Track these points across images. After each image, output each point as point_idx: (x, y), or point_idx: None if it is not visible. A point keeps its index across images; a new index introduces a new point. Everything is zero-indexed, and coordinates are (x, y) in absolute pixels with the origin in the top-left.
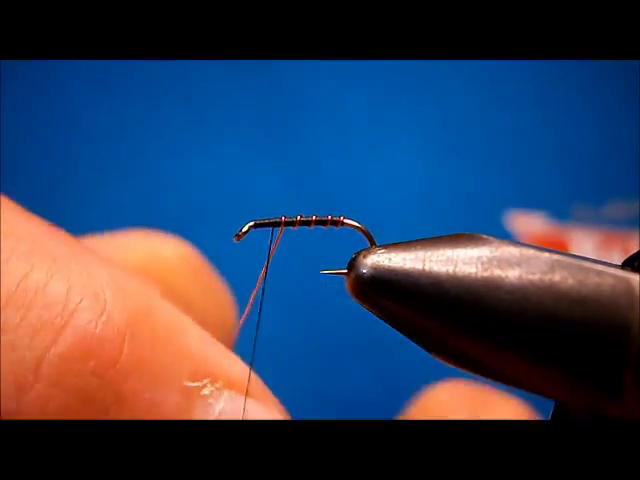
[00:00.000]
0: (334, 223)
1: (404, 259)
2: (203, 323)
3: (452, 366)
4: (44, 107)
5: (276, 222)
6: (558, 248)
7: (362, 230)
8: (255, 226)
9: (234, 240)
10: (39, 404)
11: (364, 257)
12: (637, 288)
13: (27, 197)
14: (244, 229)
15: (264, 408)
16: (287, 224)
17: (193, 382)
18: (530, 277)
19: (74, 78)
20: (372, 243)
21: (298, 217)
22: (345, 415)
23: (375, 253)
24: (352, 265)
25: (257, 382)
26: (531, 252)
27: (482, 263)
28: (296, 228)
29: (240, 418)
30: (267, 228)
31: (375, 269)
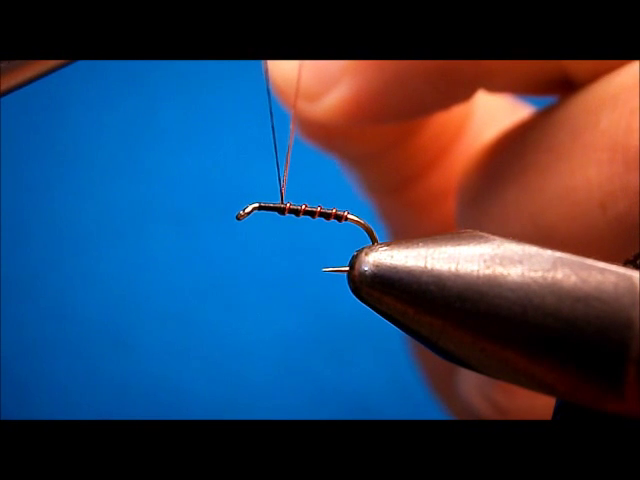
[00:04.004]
0: (338, 217)
1: (406, 256)
2: None
3: (453, 364)
4: (44, 107)
5: (280, 208)
6: None
7: (365, 227)
8: (259, 208)
9: (236, 219)
10: None
11: (366, 254)
12: (639, 286)
13: (26, 192)
14: (247, 209)
15: None
16: (291, 211)
17: None
18: (532, 275)
19: (75, 77)
20: (374, 240)
21: (303, 206)
22: (347, 413)
23: (377, 250)
24: (354, 262)
25: None
26: (533, 250)
27: (484, 261)
28: (300, 217)
29: None
30: (270, 212)
31: (377, 267)
